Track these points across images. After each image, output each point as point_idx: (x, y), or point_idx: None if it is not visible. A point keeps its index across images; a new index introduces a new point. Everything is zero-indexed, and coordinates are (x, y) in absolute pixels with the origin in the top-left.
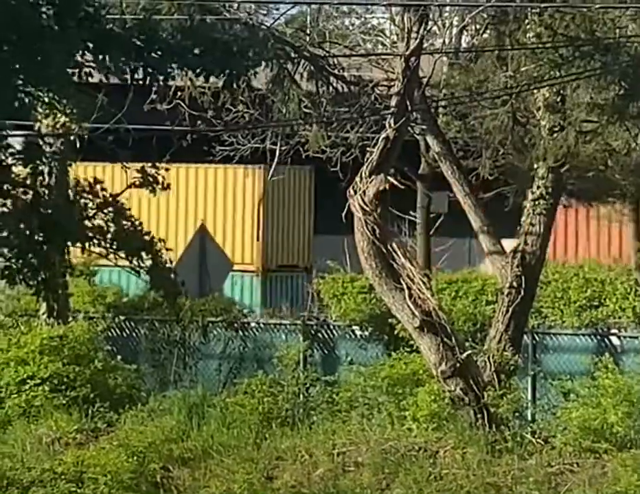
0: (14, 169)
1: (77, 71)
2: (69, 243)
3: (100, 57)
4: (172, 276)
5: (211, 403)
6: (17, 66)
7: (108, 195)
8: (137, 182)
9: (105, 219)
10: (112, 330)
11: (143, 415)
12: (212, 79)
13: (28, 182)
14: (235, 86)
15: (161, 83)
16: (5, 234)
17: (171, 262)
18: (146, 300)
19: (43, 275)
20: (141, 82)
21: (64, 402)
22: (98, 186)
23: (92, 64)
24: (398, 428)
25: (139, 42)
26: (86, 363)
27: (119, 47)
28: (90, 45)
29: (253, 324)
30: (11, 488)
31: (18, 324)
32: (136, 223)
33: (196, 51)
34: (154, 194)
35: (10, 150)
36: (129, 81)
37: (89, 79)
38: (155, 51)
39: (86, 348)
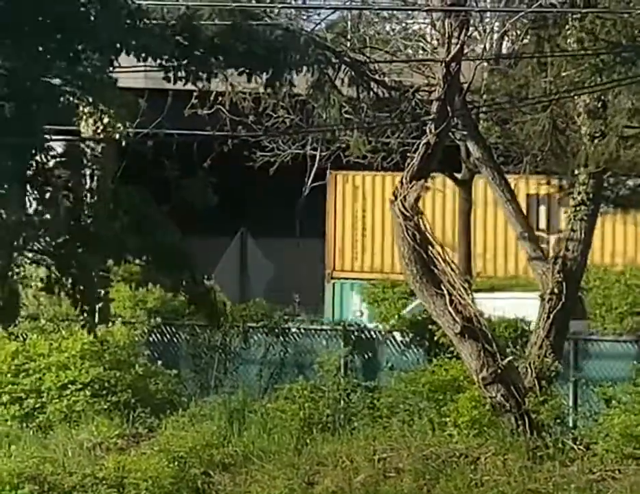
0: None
1: (119, 71)
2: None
3: (143, 55)
4: (208, 291)
5: (252, 408)
6: (59, 65)
7: None
8: None
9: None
10: (153, 335)
11: (184, 420)
12: (253, 84)
13: (70, 185)
14: (277, 84)
15: (204, 82)
16: (46, 241)
17: (209, 278)
18: (187, 305)
19: (81, 286)
20: (183, 80)
21: (105, 407)
22: None
23: (132, 67)
24: (439, 434)
25: (181, 40)
26: (127, 368)
27: (162, 46)
28: (133, 43)
29: (293, 330)
30: (52, 493)
31: (60, 329)
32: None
33: (239, 48)
34: None
35: (52, 153)
36: (172, 80)
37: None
38: (198, 48)
39: (126, 353)
